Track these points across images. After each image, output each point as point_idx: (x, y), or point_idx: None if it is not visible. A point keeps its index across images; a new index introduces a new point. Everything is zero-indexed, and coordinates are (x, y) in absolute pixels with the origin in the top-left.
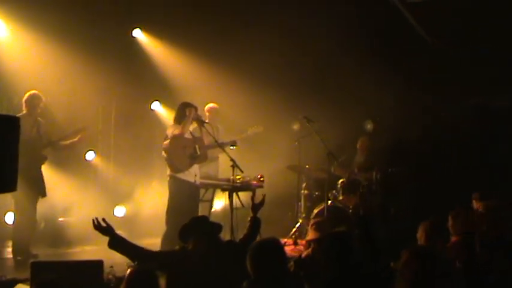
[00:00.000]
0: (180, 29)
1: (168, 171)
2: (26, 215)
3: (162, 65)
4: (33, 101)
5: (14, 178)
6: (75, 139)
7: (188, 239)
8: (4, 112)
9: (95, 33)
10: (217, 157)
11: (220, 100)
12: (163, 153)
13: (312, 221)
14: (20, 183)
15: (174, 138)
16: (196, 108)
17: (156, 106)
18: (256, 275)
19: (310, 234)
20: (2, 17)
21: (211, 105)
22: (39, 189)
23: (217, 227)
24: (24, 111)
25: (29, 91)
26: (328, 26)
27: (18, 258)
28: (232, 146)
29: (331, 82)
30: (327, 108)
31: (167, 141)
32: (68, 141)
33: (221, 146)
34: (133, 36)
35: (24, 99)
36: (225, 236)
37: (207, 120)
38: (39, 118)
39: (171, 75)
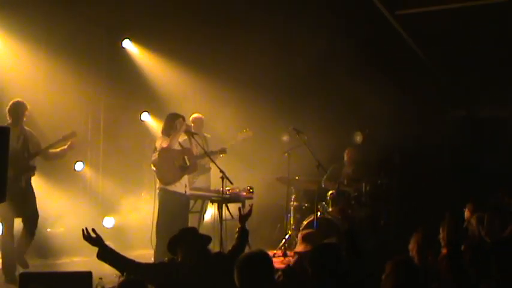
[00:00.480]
0: (170, 40)
1: (158, 184)
2: (12, 228)
3: (151, 76)
4: (17, 109)
5: (3, 188)
6: (65, 146)
7: (177, 250)
8: None
9: (84, 43)
10: (210, 168)
11: (210, 111)
12: (152, 166)
13: (301, 233)
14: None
15: (163, 151)
16: (184, 118)
17: (145, 117)
18: (244, 287)
19: (300, 246)
20: None
21: (196, 115)
22: (27, 202)
23: (207, 239)
24: (9, 121)
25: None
26: (318, 36)
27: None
28: (222, 153)
29: (321, 93)
30: (316, 120)
31: (155, 155)
32: (58, 149)
33: (210, 155)
34: (122, 47)
35: (7, 109)
36: (215, 247)
37: (193, 131)
38: (25, 127)
39: (161, 85)
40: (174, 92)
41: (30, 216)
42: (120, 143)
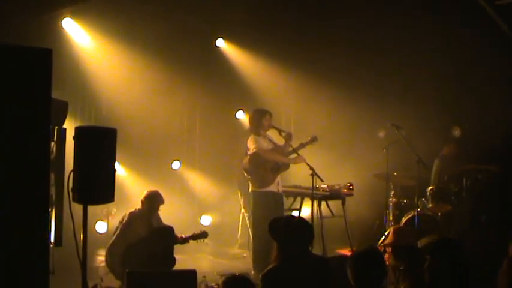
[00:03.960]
0: (263, 38)
1: (251, 188)
2: None
3: (245, 74)
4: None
5: (112, 189)
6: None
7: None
8: (93, 123)
9: (178, 44)
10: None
11: (306, 108)
12: (244, 173)
13: (393, 227)
14: None
15: (253, 156)
16: (271, 114)
17: (240, 115)
18: (359, 285)
19: (388, 238)
20: (86, 29)
21: None
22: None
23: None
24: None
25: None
26: (414, 31)
27: None
28: (314, 142)
29: (417, 89)
30: (414, 115)
31: (246, 160)
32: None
33: (297, 150)
34: (216, 46)
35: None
36: (315, 244)
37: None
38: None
39: (255, 83)
40: (269, 89)
41: None
42: (215, 142)
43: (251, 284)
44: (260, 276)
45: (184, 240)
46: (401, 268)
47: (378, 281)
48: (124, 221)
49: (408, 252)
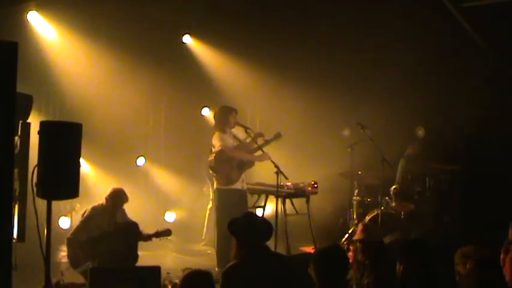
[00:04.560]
0: (230, 35)
1: (216, 185)
2: None
3: (212, 71)
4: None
5: (76, 185)
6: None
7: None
8: (57, 118)
9: (145, 39)
10: None
11: (271, 106)
12: (210, 170)
13: (363, 223)
14: None
15: (218, 153)
16: (237, 112)
17: (206, 112)
18: (322, 282)
19: (357, 235)
20: (51, 23)
21: None
22: None
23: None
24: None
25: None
26: (379, 28)
27: None
28: (278, 138)
29: (382, 88)
30: (377, 115)
31: (212, 156)
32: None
33: (262, 147)
34: (183, 42)
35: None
36: (279, 242)
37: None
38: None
39: (221, 80)
40: (235, 86)
41: None
42: (181, 138)
43: (211, 279)
44: (221, 273)
45: (148, 238)
46: (366, 263)
47: (341, 278)
48: (86, 215)
49: (376, 247)
